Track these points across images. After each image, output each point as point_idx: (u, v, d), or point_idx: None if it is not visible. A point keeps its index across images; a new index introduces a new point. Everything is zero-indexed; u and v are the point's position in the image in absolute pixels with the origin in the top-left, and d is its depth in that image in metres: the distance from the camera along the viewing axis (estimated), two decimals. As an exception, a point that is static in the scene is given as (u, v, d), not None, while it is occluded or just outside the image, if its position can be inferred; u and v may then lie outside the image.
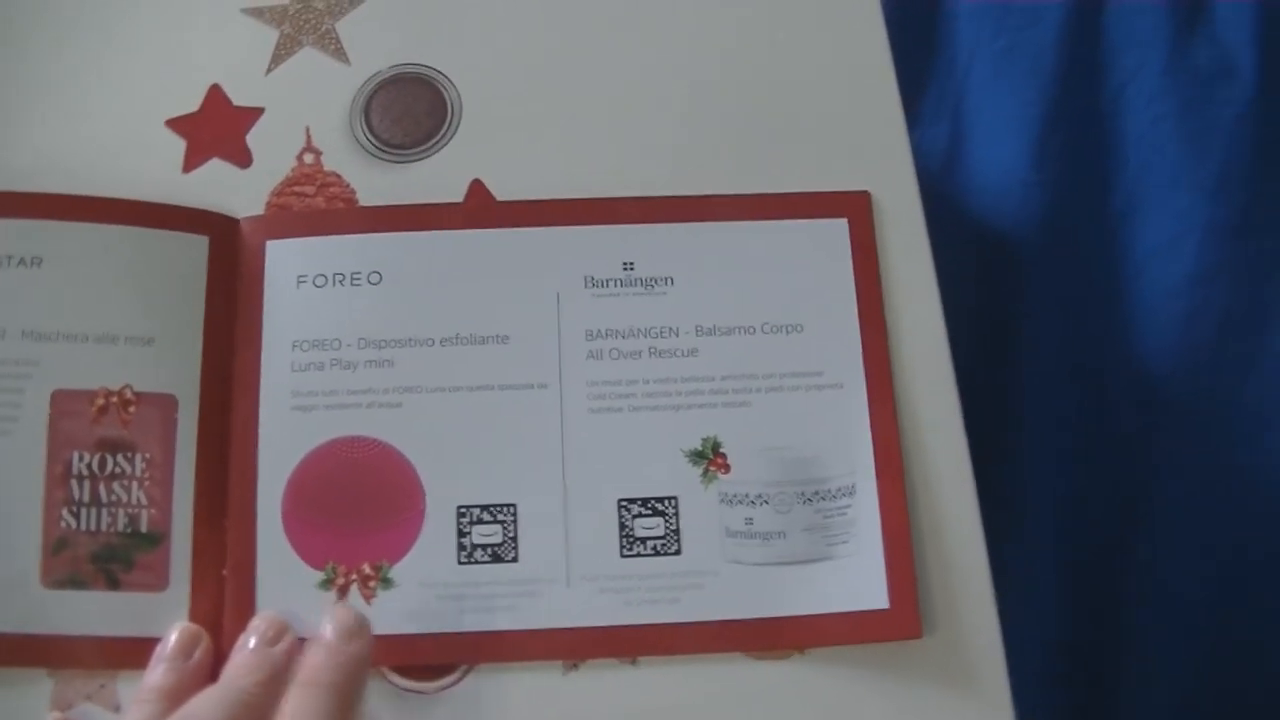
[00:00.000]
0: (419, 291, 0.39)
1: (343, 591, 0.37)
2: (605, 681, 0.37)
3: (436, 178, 0.42)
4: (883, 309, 0.40)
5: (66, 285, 0.38)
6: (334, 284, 0.39)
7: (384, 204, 0.41)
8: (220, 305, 0.39)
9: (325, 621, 0.35)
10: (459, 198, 0.41)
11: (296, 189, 0.41)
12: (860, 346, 0.40)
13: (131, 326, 0.38)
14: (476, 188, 0.41)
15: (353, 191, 0.41)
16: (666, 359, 0.39)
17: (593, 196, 0.41)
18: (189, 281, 0.39)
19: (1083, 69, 0.58)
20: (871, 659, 0.37)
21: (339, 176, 0.41)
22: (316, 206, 0.41)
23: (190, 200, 0.40)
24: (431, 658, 0.37)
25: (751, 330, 0.40)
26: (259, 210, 0.41)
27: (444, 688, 0.37)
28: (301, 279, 0.39)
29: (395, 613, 0.37)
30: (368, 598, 0.37)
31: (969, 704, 0.37)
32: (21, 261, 0.38)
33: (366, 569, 0.37)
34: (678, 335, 0.39)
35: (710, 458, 0.39)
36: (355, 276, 0.39)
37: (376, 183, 0.41)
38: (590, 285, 0.40)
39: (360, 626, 0.35)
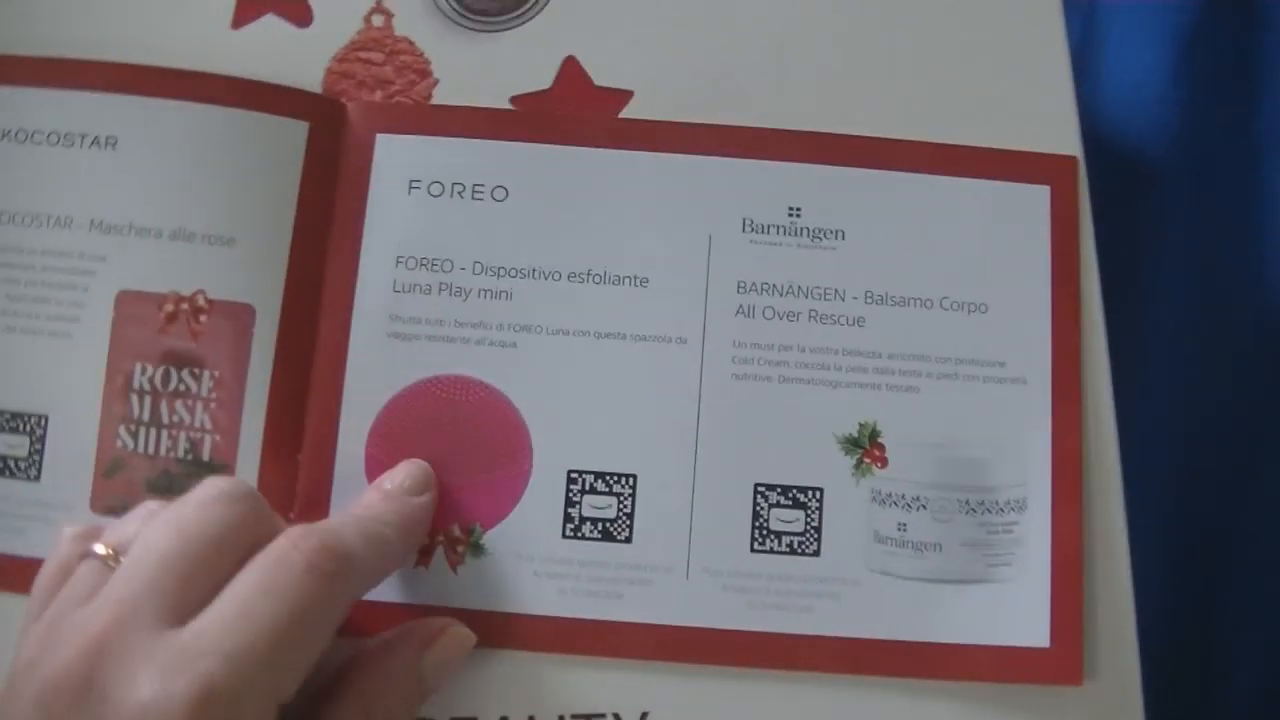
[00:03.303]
0: (549, 215, 0.34)
1: (426, 555, 0.32)
2: (691, 688, 0.32)
3: (524, 53, 0.36)
4: (1079, 298, 0.34)
5: (142, 171, 0.33)
6: (452, 194, 0.34)
7: (461, 76, 0.36)
8: (315, 205, 0.34)
9: (389, 474, 0.32)
10: (549, 78, 0.36)
11: (362, 55, 0.35)
12: (1050, 340, 0.34)
13: (211, 223, 0.33)
14: (570, 67, 0.35)
15: (426, 61, 0.36)
16: (828, 325, 0.34)
17: (713, 88, 0.35)
18: (281, 174, 0.34)
19: None
20: (1006, 700, 0.32)
21: (411, 44, 0.36)
22: (384, 76, 0.35)
23: (239, 62, 0.35)
24: (520, 644, 0.32)
25: (929, 304, 0.34)
26: (317, 76, 0.35)
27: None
28: (414, 184, 0.34)
29: (484, 586, 0.32)
30: (454, 564, 0.32)
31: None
32: (95, 141, 0.34)
33: (456, 531, 0.32)
34: (844, 299, 0.34)
35: (866, 447, 0.33)
36: (478, 189, 0.34)
37: (454, 53, 0.36)
38: (749, 229, 0.34)
39: (428, 481, 0.32)
